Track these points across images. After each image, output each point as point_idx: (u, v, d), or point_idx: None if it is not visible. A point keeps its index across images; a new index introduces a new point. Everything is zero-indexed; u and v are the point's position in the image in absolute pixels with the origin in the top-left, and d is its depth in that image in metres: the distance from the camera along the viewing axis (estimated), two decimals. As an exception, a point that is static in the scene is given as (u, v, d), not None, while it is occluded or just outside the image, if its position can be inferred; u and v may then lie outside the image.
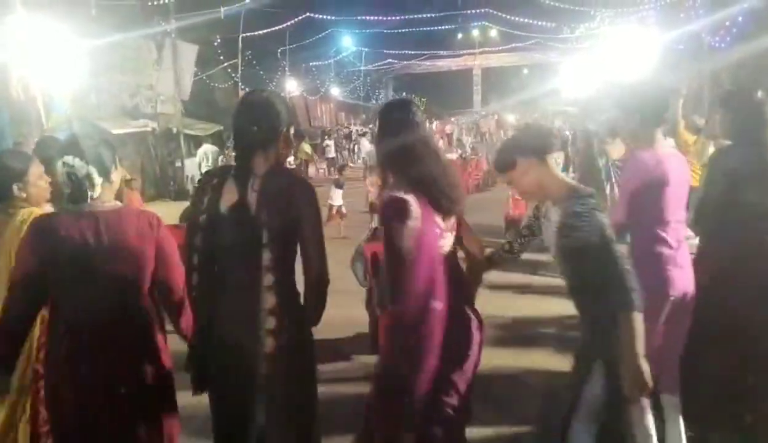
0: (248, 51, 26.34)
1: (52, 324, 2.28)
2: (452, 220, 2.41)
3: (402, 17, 32.89)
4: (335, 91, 39.68)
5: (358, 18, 32.37)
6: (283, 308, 2.13)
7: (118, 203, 2.35)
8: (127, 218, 2.27)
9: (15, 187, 2.72)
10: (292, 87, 29.50)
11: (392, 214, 2.21)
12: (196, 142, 19.19)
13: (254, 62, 27.89)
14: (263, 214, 2.11)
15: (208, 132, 20.46)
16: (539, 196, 2.50)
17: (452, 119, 37.25)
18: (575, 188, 2.38)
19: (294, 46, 29.79)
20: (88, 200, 2.22)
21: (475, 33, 41.90)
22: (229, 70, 25.10)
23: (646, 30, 14.61)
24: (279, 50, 29.48)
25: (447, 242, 2.38)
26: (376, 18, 32.82)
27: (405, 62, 43.48)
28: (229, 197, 2.15)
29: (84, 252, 2.17)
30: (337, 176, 11.60)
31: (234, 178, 2.18)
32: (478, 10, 33.59)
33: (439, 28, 35.63)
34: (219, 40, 24.29)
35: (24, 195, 2.74)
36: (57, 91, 10.04)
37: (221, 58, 24.59)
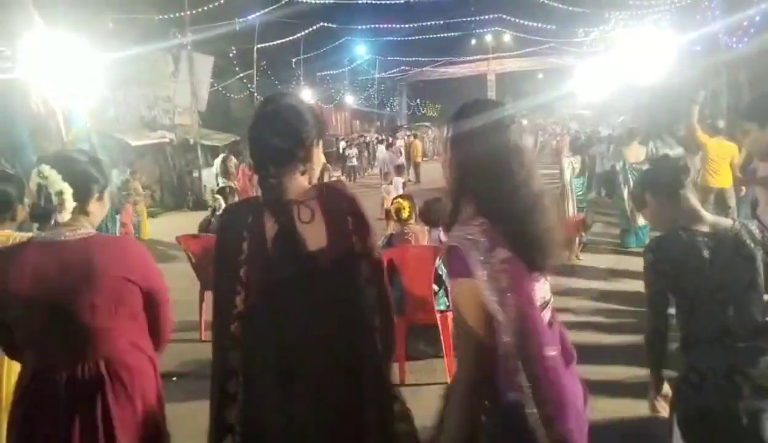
0: (263, 61, 26.58)
1: (21, 372, 1.97)
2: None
3: (415, 24, 33.01)
4: (349, 100, 39.85)
5: (372, 26, 32.54)
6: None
7: (90, 231, 1.94)
8: (97, 249, 1.88)
9: (19, 208, 2.50)
10: (306, 96, 29.66)
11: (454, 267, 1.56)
12: (214, 152, 19.36)
13: (269, 72, 28.12)
14: (346, 243, 1.75)
15: (225, 142, 20.64)
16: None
17: None
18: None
19: (308, 55, 29.99)
20: (51, 222, 1.86)
21: (489, 38, 41.91)
22: (245, 81, 25.34)
23: (661, 32, 14.49)
24: (293, 60, 29.70)
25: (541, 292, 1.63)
26: (389, 26, 32.97)
27: (419, 69, 43.60)
28: (271, 232, 1.74)
29: (45, 289, 1.82)
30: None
31: (271, 209, 1.76)
32: (491, 16, 33.58)
33: (453, 34, 35.72)
34: (234, 51, 24.54)
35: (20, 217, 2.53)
36: (76, 104, 10.20)
37: (237, 68, 24.84)
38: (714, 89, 16.25)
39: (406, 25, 33.19)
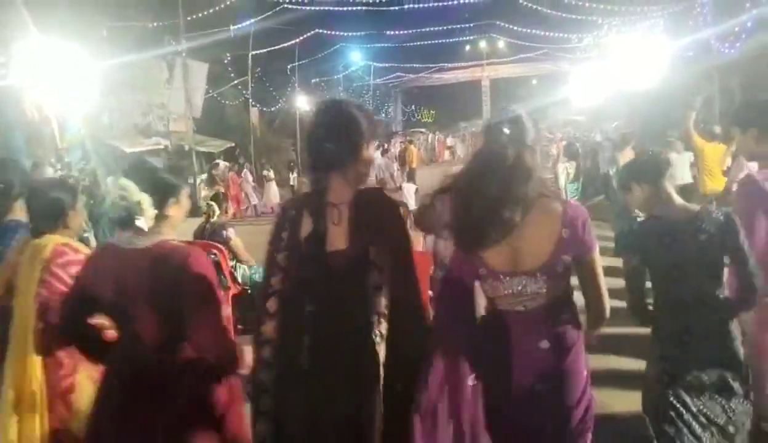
0: (258, 68, 26.59)
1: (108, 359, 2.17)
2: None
3: (409, 31, 33.11)
4: (345, 106, 39.92)
5: (366, 33, 32.64)
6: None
7: (166, 237, 2.08)
8: (169, 256, 2.00)
9: (71, 214, 2.62)
10: (301, 103, 29.68)
11: None
12: (209, 158, 19.36)
13: (264, 79, 28.14)
14: (368, 251, 1.82)
15: (220, 148, 20.64)
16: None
17: (459, 131, 37.84)
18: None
19: (303, 62, 30.02)
20: (134, 229, 2.02)
21: (483, 44, 42.05)
22: (240, 87, 25.34)
23: (654, 38, 14.58)
24: (288, 66, 29.71)
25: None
26: (383, 32, 33.07)
27: (413, 75, 43.68)
28: (306, 229, 1.86)
29: (123, 290, 1.99)
30: None
31: (310, 209, 1.88)
32: (485, 22, 33.72)
33: (447, 40, 35.81)
34: (229, 58, 24.55)
35: (72, 223, 2.66)
36: (71, 111, 10.19)
37: (232, 75, 24.84)
38: (706, 95, 16.33)
39: (401, 32, 33.32)
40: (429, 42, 35.04)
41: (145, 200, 2.00)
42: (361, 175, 1.94)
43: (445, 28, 33.03)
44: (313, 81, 33.59)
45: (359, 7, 26.75)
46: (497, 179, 1.84)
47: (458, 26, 33.96)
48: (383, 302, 1.84)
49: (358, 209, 1.86)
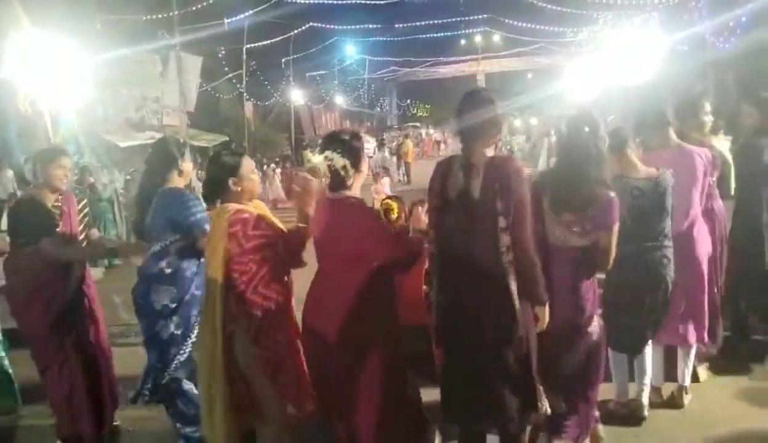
0: (252, 62, 26.49)
1: None
2: None
3: (405, 25, 33.05)
4: (339, 100, 39.81)
5: (361, 26, 32.55)
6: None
7: (354, 193, 2.69)
8: (351, 208, 2.65)
9: (230, 181, 2.80)
10: (296, 96, 29.61)
11: None
12: (203, 153, 19.29)
13: (258, 73, 28.05)
14: (496, 201, 2.46)
15: (214, 142, 20.56)
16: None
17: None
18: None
19: (298, 55, 29.92)
20: (345, 188, 2.66)
21: (478, 38, 42.04)
22: (234, 81, 25.25)
23: (649, 32, 14.57)
24: (283, 60, 29.62)
25: None
26: (379, 26, 33.00)
27: (408, 69, 43.65)
28: (453, 184, 2.58)
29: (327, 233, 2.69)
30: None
31: (460, 167, 2.58)
32: (480, 16, 33.69)
33: (442, 34, 35.78)
34: (223, 52, 24.45)
35: (239, 189, 2.82)
36: (64, 105, 10.13)
37: (226, 69, 24.75)
38: (701, 89, 16.31)
39: (396, 26, 33.25)
40: (424, 36, 35.02)
41: (348, 165, 2.63)
42: (494, 144, 2.62)
43: (440, 21, 33.02)
44: (307, 75, 33.52)
45: (354, 0, 26.69)
46: (581, 163, 2.76)
47: (454, 20, 33.96)
48: (506, 239, 2.49)
49: (490, 170, 2.51)
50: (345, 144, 2.67)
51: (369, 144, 26.34)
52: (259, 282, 2.70)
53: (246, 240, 2.67)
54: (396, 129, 38.21)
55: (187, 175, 3.35)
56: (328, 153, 2.64)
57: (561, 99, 28.44)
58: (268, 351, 2.75)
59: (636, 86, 15.92)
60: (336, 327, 2.65)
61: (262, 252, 2.69)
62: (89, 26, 14.47)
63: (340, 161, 2.63)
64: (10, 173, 12.05)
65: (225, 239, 2.66)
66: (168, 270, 3.08)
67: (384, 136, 28.48)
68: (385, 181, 12.08)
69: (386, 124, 45.79)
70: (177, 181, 3.27)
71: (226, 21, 22.17)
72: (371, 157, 22.22)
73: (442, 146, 34.90)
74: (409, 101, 54.20)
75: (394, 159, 21.02)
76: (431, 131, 38.60)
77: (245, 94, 25.32)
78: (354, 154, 2.68)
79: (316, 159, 2.66)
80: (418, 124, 45.15)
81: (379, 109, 50.05)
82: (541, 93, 32.11)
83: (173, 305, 3.08)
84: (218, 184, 2.81)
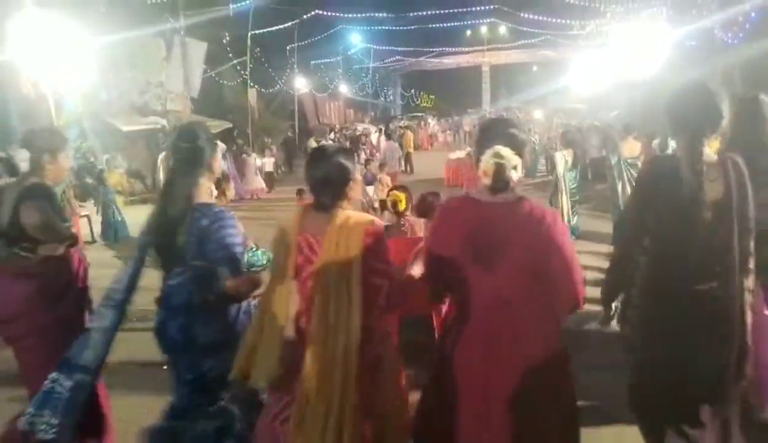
0: (257, 48, 26.37)
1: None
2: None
3: (410, 14, 32.86)
4: (343, 89, 39.68)
5: (367, 15, 32.35)
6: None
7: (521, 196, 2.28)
8: (527, 212, 2.21)
9: (348, 186, 2.41)
10: (300, 84, 29.49)
11: None
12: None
13: (263, 59, 27.92)
14: (736, 206, 2.27)
15: (218, 129, 20.49)
16: None
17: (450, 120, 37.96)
18: None
19: (302, 43, 29.78)
20: (508, 188, 2.24)
21: (484, 30, 41.80)
22: (238, 68, 25.14)
23: (657, 26, 14.47)
24: (288, 47, 29.48)
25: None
26: (384, 15, 32.80)
27: (413, 59, 43.44)
28: (686, 182, 2.29)
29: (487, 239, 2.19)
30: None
31: (687, 168, 2.29)
32: (487, 7, 33.45)
33: (448, 24, 35.56)
34: (228, 38, 24.32)
35: (351, 194, 2.43)
36: (67, 88, 10.08)
37: (230, 55, 24.62)
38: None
39: (402, 15, 33.06)
40: (430, 26, 34.81)
41: (519, 164, 2.25)
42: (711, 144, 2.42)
43: (446, 12, 32.82)
44: (312, 63, 33.37)
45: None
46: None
47: (460, 10, 33.76)
48: (744, 246, 2.31)
49: (730, 171, 2.30)
50: (514, 139, 2.23)
51: (374, 134, 26.27)
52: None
53: (375, 261, 2.28)
54: (400, 119, 38.06)
55: (217, 174, 2.78)
56: (500, 150, 2.18)
57: (566, 93, 28.38)
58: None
59: (643, 81, 15.86)
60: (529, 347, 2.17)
61: (381, 277, 2.30)
62: (93, 8, 14.38)
63: (513, 160, 2.18)
64: (25, 154, 11.90)
65: (359, 249, 2.24)
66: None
67: (390, 126, 28.40)
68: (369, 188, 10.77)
69: (390, 113, 45.61)
70: (206, 185, 2.67)
71: (231, 7, 22.03)
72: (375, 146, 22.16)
73: (440, 136, 34.88)
74: (413, 91, 53.98)
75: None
76: (430, 122, 38.52)
77: (249, 81, 25.22)
78: (524, 148, 2.27)
79: (486, 158, 2.20)
80: (421, 114, 44.99)
81: (383, 98, 49.88)
82: (546, 86, 32.01)
83: (224, 336, 2.61)
84: (340, 186, 2.37)
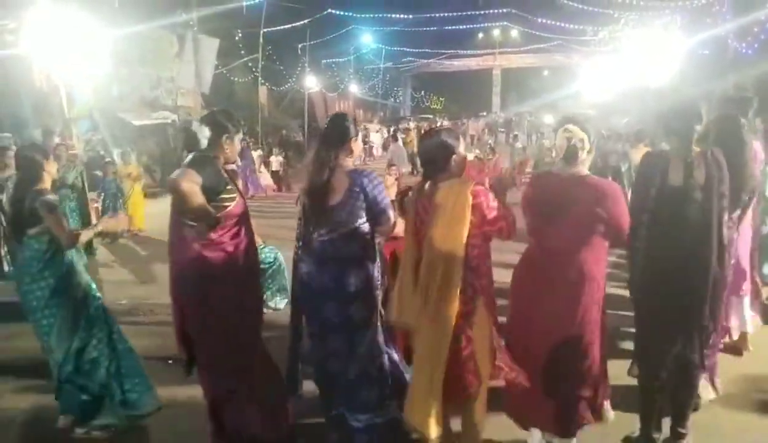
0: (269, 46, 26.43)
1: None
2: None
3: (422, 15, 32.84)
4: (354, 88, 39.69)
5: (378, 15, 32.37)
6: None
7: (583, 172, 2.90)
8: (589, 184, 2.86)
9: (453, 158, 2.86)
10: (311, 83, 29.53)
11: None
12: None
13: (274, 57, 27.98)
14: (711, 191, 2.84)
15: (227, 125, 20.55)
16: None
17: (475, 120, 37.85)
18: None
19: (314, 42, 29.81)
20: (576, 163, 2.88)
21: (496, 33, 41.70)
22: (250, 65, 25.21)
23: (670, 34, 14.41)
24: (299, 46, 29.53)
25: None
26: (396, 15, 32.78)
27: (424, 61, 43.40)
28: (676, 172, 2.91)
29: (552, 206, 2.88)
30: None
31: (678, 161, 2.92)
32: (499, 10, 33.41)
33: (460, 27, 35.52)
34: (240, 35, 24.39)
35: (456, 165, 2.92)
36: (79, 81, 10.13)
37: (242, 52, 24.69)
38: (721, 93, 16.09)
39: (414, 16, 33.04)
40: (441, 27, 34.80)
41: (586, 139, 2.88)
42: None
43: (458, 14, 32.77)
44: (323, 62, 33.40)
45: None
46: None
47: (472, 13, 33.72)
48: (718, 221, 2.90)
49: (707, 162, 2.89)
50: (579, 122, 2.95)
51: (377, 133, 26.26)
52: (485, 258, 2.80)
53: (489, 212, 2.71)
54: (408, 119, 38.05)
55: (355, 154, 3.15)
56: (569, 126, 2.90)
57: (577, 98, 28.30)
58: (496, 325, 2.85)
59: (654, 89, 15.77)
60: (575, 301, 2.84)
61: (496, 224, 2.73)
62: (108, 3, 14.45)
63: (579, 133, 2.88)
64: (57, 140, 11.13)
65: (468, 211, 2.68)
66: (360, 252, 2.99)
67: (399, 128, 28.39)
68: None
69: (400, 114, 45.61)
70: (347, 159, 3.08)
71: (244, 4, 22.10)
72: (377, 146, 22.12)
73: None
74: (423, 93, 53.92)
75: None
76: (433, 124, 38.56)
77: (260, 78, 25.28)
78: (591, 132, 2.94)
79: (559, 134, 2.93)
80: (431, 116, 44.92)
81: (393, 99, 49.87)
82: (557, 91, 31.91)
83: (365, 286, 3.02)
84: (443, 160, 2.81)
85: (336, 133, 3.00)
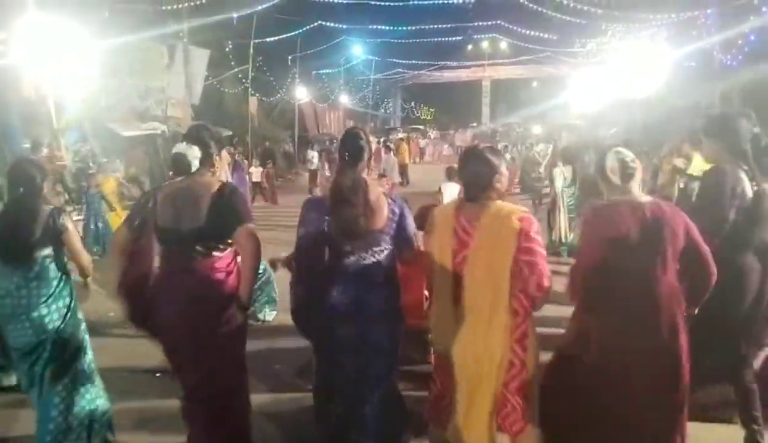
0: (259, 57, 26.46)
1: None
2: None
3: (412, 27, 33.02)
4: (344, 99, 39.78)
5: (369, 27, 32.51)
6: None
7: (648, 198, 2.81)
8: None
9: (495, 178, 2.79)
10: (301, 94, 29.56)
11: None
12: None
13: (265, 68, 28.02)
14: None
15: (217, 136, 20.49)
16: None
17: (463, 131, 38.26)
18: None
19: (305, 53, 29.89)
20: (631, 188, 2.77)
21: (485, 44, 42.01)
22: (240, 76, 25.22)
23: (657, 46, 14.58)
24: (290, 57, 29.58)
25: None
26: (386, 27, 32.94)
27: (414, 72, 43.60)
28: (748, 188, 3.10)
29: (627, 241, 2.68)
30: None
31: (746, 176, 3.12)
32: (488, 22, 33.64)
33: (450, 39, 35.73)
34: (231, 46, 24.41)
35: (499, 186, 2.85)
36: (68, 91, 10.08)
37: (232, 63, 24.71)
38: (707, 105, 16.33)
39: (404, 28, 33.22)
40: (431, 39, 34.99)
41: (637, 165, 2.79)
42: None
43: (448, 26, 32.98)
44: (313, 73, 33.47)
45: (363, 1, 26.68)
46: None
47: (461, 25, 33.94)
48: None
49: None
50: (630, 145, 3.02)
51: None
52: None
53: (526, 241, 2.62)
54: (398, 130, 38.18)
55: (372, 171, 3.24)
56: (620, 148, 2.83)
57: (566, 109, 28.50)
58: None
59: (640, 100, 15.90)
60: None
61: (531, 255, 2.63)
62: (97, 14, 14.42)
63: (630, 154, 2.81)
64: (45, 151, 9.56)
65: (515, 236, 2.61)
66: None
67: (390, 138, 28.45)
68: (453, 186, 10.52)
69: (390, 125, 45.73)
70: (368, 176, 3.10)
71: (234, 15, 22.14)
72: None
73: (428, 151, 35.12)
74: (413, 104, 54.12)
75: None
76: (431, 135, 38.79)
77: (251, 90, 25.28)
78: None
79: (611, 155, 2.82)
80: (421, 127, 45.07)
81: (383, 110, 50.02)
82: (546, 102, 32.15)
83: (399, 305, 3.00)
84: (487, 180, 2.74)
85: (359, 151, 2.92)
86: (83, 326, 3.33)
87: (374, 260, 2.85)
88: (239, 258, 2.90)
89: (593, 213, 2.90)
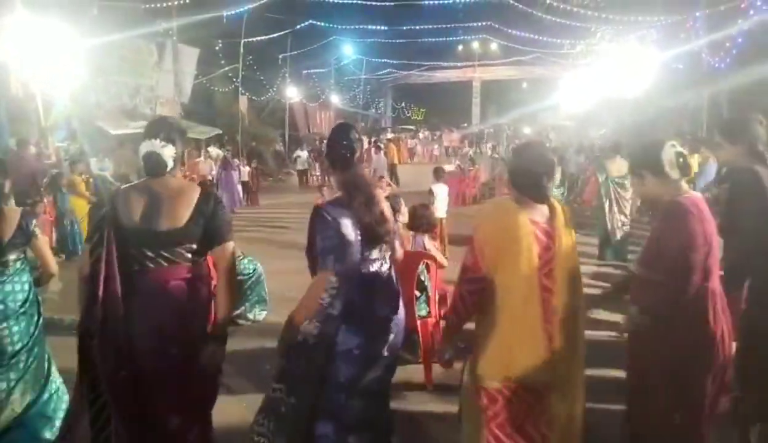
0: (249, 56, 26.38)
1: None
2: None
3: (403, 27, 33.04)
4: (335, 99, 39.73)
5: (360, 27, 32.49)
6: None
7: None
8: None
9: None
10: (292, 93, 29.50)
11: None
12: (196, 144, 19.18)
13: (255, 67, 27.94)
14: None
15: (207, 135, 20.44)
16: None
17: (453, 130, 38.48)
18: None
19: (295, 52, 29.83)
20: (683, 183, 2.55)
21: (476, 45, 42.11)
22: (230, 74, 25.14)
23: (645, 48, 14.70)
24: (280, 56, 29.52)
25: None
26: (377, 27, 32.95)
27: (405, 72, 43.62)
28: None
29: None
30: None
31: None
32: (479, 23, 33.72)
33: (440, 39, 35.79)
34: (220, 45, 24.33)
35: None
36: (56, 89, 10.02)
37: (222, 62, 24.62)
38: (694, 107, 16.49)
39: (395, 28, 33.24)
40: (422, 40, 35.03)
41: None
42: None
43: (438, 26, 33.03)
44: (304, 72, 33.42)
45: (354, 1, 26.66)
46: None
47: (452, 25, 33.99)
48: None
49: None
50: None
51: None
52: None
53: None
54: (390, 130, 38.23)
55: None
56: (674, 141, 2.59)
57: (555, 110, 28.66)
58: None
59: (628, 101, 16.00)
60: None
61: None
62: (86, 11, 14.33)
63: (679, 147, 2.57)
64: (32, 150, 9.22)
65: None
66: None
67: (380, 138, 28.50)
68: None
69: (381, 125, 45.74)
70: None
71: (224, 13, 22.08)
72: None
73: (418, 151, 35.27)
74: (404, 104, 54.13)
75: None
76: (421, 136, 38.89)
77: (240, 88, 25.21)
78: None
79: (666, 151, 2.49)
80: (412, 127, 45.12)
81: (374, 110, 50.00)
82: (535, 103, 32.31)
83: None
84: (551, 178, 2.49)
85: (357, 145, 2.70)
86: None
87: (389, 264, 2.70)
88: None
89: (690, 210, 2.47)
